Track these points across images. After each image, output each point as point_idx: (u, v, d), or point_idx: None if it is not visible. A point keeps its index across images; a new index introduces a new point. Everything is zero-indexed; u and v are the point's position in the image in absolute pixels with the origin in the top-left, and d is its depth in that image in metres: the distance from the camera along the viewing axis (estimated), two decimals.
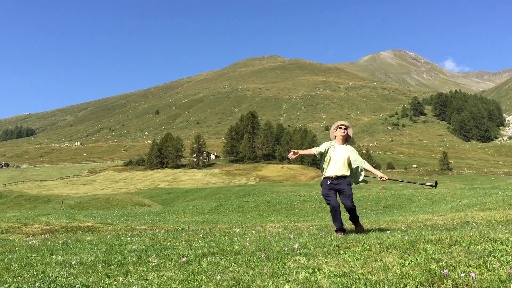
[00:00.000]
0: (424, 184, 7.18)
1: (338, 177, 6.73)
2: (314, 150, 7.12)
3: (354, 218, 6.98)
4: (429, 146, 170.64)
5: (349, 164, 6.84)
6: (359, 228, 7.09)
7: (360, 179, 6.94)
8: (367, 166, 6.90)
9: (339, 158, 6.81)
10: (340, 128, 6.99)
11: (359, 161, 6.87)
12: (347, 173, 6.80)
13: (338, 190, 6.74)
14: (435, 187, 6.80)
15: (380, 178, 6.83)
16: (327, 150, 6.98)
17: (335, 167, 6.78)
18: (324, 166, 6.96)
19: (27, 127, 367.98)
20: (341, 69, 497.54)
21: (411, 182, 7.47)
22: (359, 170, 6.87)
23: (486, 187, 28.90)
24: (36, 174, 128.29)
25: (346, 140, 7.04)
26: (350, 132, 7.04)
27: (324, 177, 6.89)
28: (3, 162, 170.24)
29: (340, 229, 6.71)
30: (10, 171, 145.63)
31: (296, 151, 7.17)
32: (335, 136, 7.03)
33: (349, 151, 6.89)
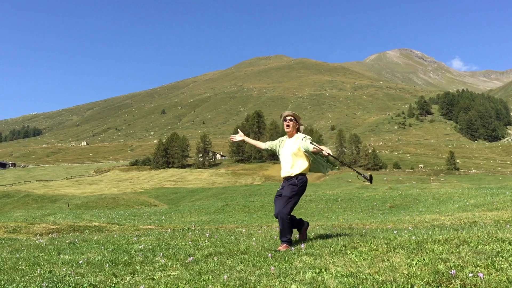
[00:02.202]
0: (360, 174, 5.86)
1: (285, 179, 5.79)
2: (264, 145, 6.30)
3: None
4: (435, 145, 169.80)
5: (304, 158, 5.77)
6: (301, 236, 6.14)
7: (327, 169, 5.95)
8: (311, 147, 5.65)
9: (286, 155, 5.83)
10: (285, 120, 5.97)
11: (306, 146, 5.71)
12: (297, 171, 5.71)
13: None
14: (370, 182, 5.69)
15: (324, 153, 5.55)
16: (278, 149, 6.06)
17: (283, 166, 5.84)
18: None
19: (34, 127, 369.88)
20: (347, 69, 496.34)
21: (350, 166, 6.58)
22: (315, 155, 5.78)
23: (494, 186, 28.76)
24: (43, 174, 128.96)
25: (298, 131, 6.02)
26: (299, 120, 6.03)
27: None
28: (10, 162, 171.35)
29: (287, 240, 5.62)
30: (17, 170, 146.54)
31: (241, 135, 6.39)
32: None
33: (295, 141, 5.85)
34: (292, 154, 5.75)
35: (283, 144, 5.95)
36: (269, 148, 6.20)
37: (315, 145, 5.68)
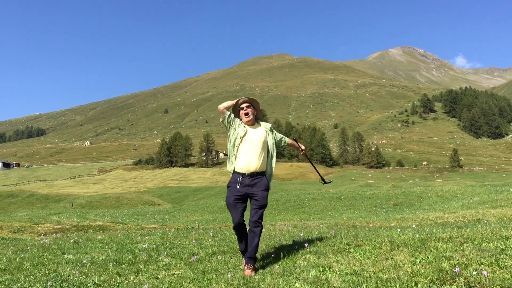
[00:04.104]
0: (321, 178, 5.72)
1: (252, 174, 4.72)
2: (227, 111, 4.98)
3: (252, 251, 4.60)
4: (439, 143, 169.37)
5: (267, 154, 4.89)
6: (248, 272, 4.43)
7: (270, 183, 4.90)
8: (289, 140, 5.24)
9: (254, 144, 4.79)
10: (241, 108, 4.98)
11: (279, 138, 5.13)
12: (264, 167, 4.82)
13: (249, 195, 4.71)
14: (323, 183, 5.59)
15: (301, 150, 5.19)
16: (236, 128, 4.94)
17: (250, 158, 4.74)
18: (232, 153, 4.90)
19: (38, 127, 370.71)
20: (349, 67, 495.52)
21: (316, 170, 6.20)
22: (272, 165, 4.92)
23: (498, 184, 28.66)
24: (47, 174, 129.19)
25: (257, 119, 5.08)
26: (257, 105, 5.06)
27: (233, 173, 4.82)
28: (14, 162, 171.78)
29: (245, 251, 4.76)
30: (21, 170, 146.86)
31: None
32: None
33: (260, 131, 4.92)
34: (262, 144, 4.81)
35: (247, 131, 4.87)
36: (227, 120, 4.99)
37: (292, 140, 5.30)
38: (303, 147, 5.26)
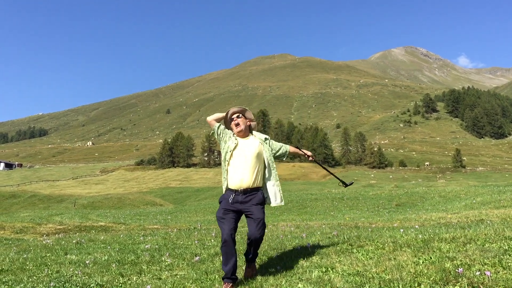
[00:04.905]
0: (340, 180, 5.51)
1: (246, 191, 4.32)
2: (216, 123, 4.65)
3: (253, 255, 4.44)
4: (441, 143, 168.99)
5: (263, 167, 4.52)
6: (249, 271, 4.42)
7: (279, 197, 4.50)
8: (291, 148, 4.88)
9: (247, 157, 4.40)
10: (232, 119, 4.64)
11: (278, 147, 4.77)
12: (260, 182, 4.45)
13: (243, 212, 4.33)
14: (344, 186, 5.36)
15: (309, 157, 4.96)
16: (227, 140, 4.58)
17: (241, 172, 4.35)
18: (224, 168, 4.52)
19: (40, 127, 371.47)
20: (352, 67, 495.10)
21: (333, 174, 6.13)
22: (275, 177, 4.59)
23: (501, 184, 28.64)
24: (49, 174, 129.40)
25: (250, 130, 4.73)
26: (249, 115, 4.77)
27: (226, 190, 4.45)
28: (17, 162, 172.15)
29: (229, 276, 4.06)
30: (23, 171, 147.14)
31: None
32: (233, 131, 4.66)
33: (253, 142, 4.56)
34: (255, 157, 4.42)
35: (238, 143, 4.51)
36: (217, 133, 4.64)
37: (294, 148, 4.92)
38: (309, 153, 4.96)
